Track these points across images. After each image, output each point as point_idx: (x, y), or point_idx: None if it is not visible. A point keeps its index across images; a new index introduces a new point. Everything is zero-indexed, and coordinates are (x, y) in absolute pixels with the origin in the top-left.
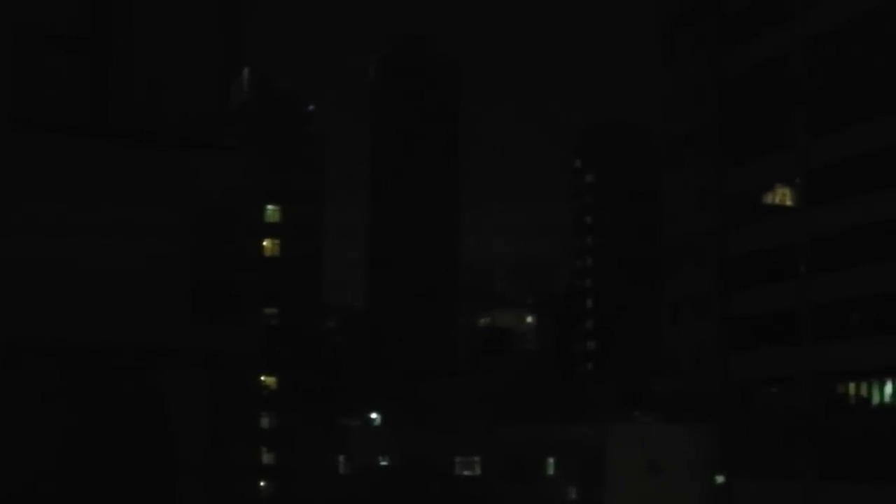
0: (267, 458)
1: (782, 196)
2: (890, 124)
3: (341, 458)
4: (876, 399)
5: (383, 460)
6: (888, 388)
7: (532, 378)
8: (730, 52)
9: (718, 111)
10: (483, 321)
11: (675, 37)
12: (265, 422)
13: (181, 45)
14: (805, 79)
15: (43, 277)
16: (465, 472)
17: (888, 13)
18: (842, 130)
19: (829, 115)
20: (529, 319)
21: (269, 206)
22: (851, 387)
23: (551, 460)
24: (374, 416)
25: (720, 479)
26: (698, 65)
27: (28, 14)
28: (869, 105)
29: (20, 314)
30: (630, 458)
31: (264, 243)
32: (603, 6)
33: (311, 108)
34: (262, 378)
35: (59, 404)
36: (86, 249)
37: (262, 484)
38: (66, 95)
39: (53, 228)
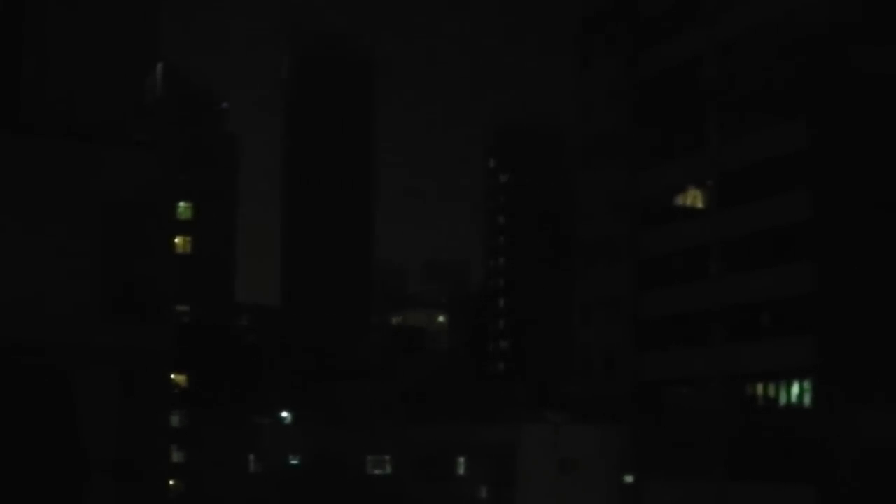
0: (177, 456)
1: (694, 198)
2: (797, 129)
3: (252, 456)
4: (784, 399)
5: (294, 459)
6: (795, 389)
7: (445, 378)
8: (643, 55)
9: (632, 113)
10: (396, 320)
11: (589, 39)
12: (175, 420)
13: (93, 40)
14: (717, 82)
15: None
16: (377, 472)
17: (796, 19)
18: (753, 134)
19: (740, 119)
20: (442, 319)
21: (182, 203)
22: (760, 387)
23: (462, 460)
24: (285, 414)
25: (630, 478)
26: (612, 67)
27: None
28: (778, 109)
29: None
30: (541, 457)
31: (176, 241)
32: (519, 6)
33: (224, 105)
34: (173, 376)
35: None
36: None
37: (171, 483)
38: None
39: None
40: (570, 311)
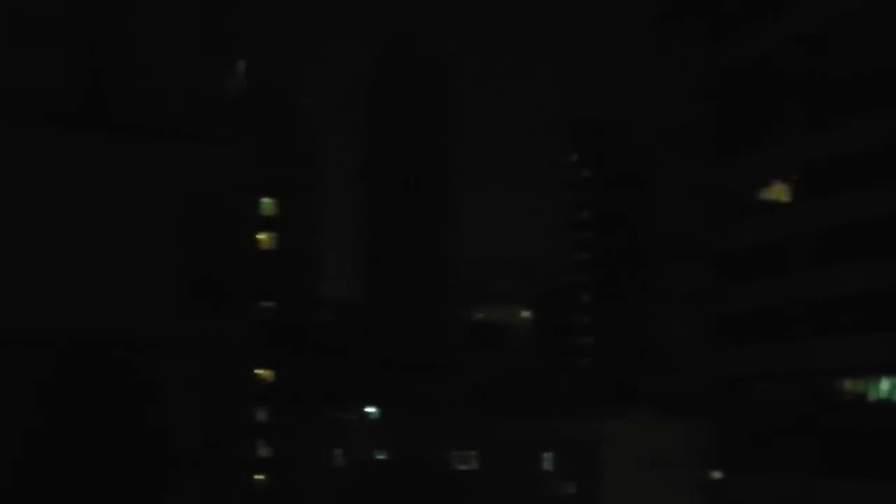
0: (263, 451)
1: (777, 191)
2: (887, 120)
3: (337, 451)
4: (872, 396)
5: (379, 454)
6: (884, 385)
7: (528, 373)
8: (723, 46)
9: (712, 105)
10: (478, 316)
11: (668, 30)
12: (261, 415)
13: (175, 39)
14: (800, 72)
15: (35, 270)
16: (461, 467)
17: (885, 6)
18: (838, 125)
19: (824, 110)
20: (525, 314)
21: (265, 199)
22: (846, 383)
23: (548, 455)
24: (370, 410)
25: (715, 474)
26: (692, 58)
27: (22, 8)
28: (865, 99)
29: (12, 306)
30: (626, 453)
31: (260, 237)
32: None
33: (305, 101)
34: (258, 372)
35: (52, 396)
36: (78, 241)
37: (257, 478)
38: (60, 88)
39: (47, 221)
40: (653, 306)
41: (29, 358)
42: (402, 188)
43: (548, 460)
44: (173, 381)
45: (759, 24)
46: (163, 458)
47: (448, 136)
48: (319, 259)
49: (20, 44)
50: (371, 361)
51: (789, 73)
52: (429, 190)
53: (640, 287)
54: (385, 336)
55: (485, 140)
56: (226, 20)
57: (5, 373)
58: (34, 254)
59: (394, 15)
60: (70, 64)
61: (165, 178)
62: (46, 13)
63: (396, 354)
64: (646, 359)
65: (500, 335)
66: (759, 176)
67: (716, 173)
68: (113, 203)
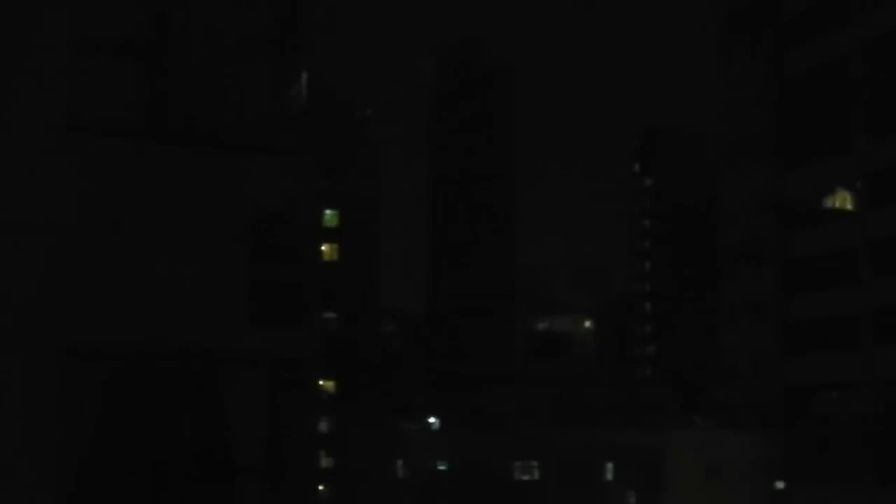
0: (325, 462)
1: (842, 200)
2: None
3: (399, 462)
4: None
5: (441, 465)
6: None
7: (591, 383)
8: (788, 55)
9: (776, 114)
10: (541, 326)
11: (732, 41)
12: (323, 426)
13: (239, 50)
14: (866, 81)
15: (102, 282)
16: (524, 477)
17: None
18: None
19: (890, 118)
20: (588, 324)
21: (328, 211)
22: None
23: (610, 465)
24: (432, 420)
25: (780, 485)
26: (756, 68)
27: (86, 20)
28: None
29: (82, 318)
30: (689, 463)
31: (323, 248)
32: (660, 9)
33: (368, 112)
34: (321, 383)
35: (119, 406)
36: (144, 254)
37: (320, 488)
38: (124, 100)
39: (113, 233)
40: (717, 315)
41: (94, 370)
42: (466, 198)
43: (610, 470)
44: (239, 393)
45: (824, 33)
46: (227, 469)
47: (512, 145)
48: (381, 270)
49: (83, 56)
50: (433, 372)
51: (854, 81)
52: (492, 200)
53: (704, 296)
54: (447, 346)
55: (548, 149)
56: (292, 31)
57: (71, 385)
58: (98, 267)
59: (457, 23)
60: (133, 76)
61: (230, 190)
62: (108, 25)
63: (458, 365)
64: (710, 368)
65: (563, 345)
66: (825, 185)
67: (781, 182)
68: (178, 215)
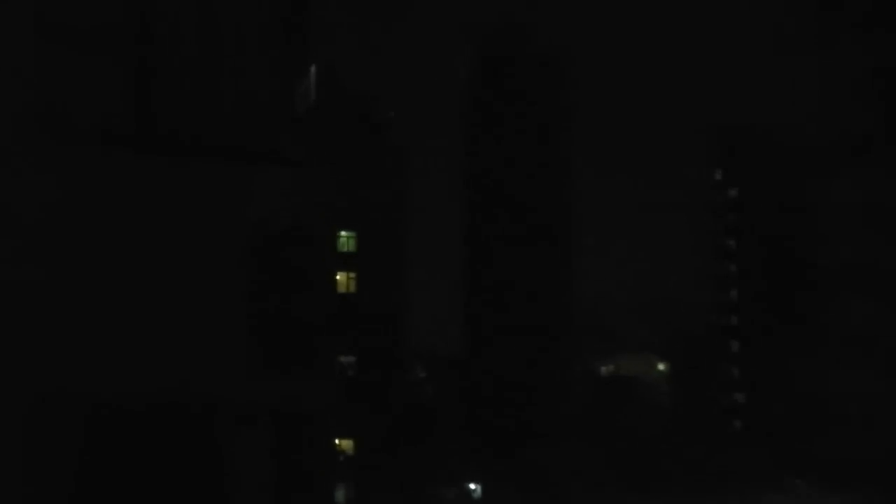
0: None
1: None
2: None
3: None
4: None
5: None
6: None
7: (667, 438)
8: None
9: (885, 107)
10: (604, 369)
11: (827, 20)
12: (341, 495)
13: (238, 41)
14: None
15: (75, 317)
16: None
17: None
18: None
19: None
20: (661, 367)
21: (343, 233)
22: None
23: None
24: (472, 486)
25: None
26: (858, 52)
27: (67, 19)
28: None
29: (53, 359)
30: None
31: (338, 277)
32: None
33: (391, 114)
34: (337, 442)
35: (107, 459)
36: (125, 283)
37: None
38: (104, 101)
39: (88, 257)
40: (820, 354)
41: (66, 422)
42: (509, 216)
43: None
44: (240, 453)
45: None
46: None
47: (564, 151)
48: (408, 304)
49: (68, 56)
50: (473, 426)
51: None
52: (542, 216)
53: (802, 331)
54: (490, 396)
55: (608, 154)
56: (298, 21)
57: (52, 437)
58: (73, 296)
59: (495, 11)
60: (119, 78)
61: (227, 206)
62: (82, 11)
63: (503, 418)
64: (811, 419)
65: (631, 392)
66: None
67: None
68: (167, 236)
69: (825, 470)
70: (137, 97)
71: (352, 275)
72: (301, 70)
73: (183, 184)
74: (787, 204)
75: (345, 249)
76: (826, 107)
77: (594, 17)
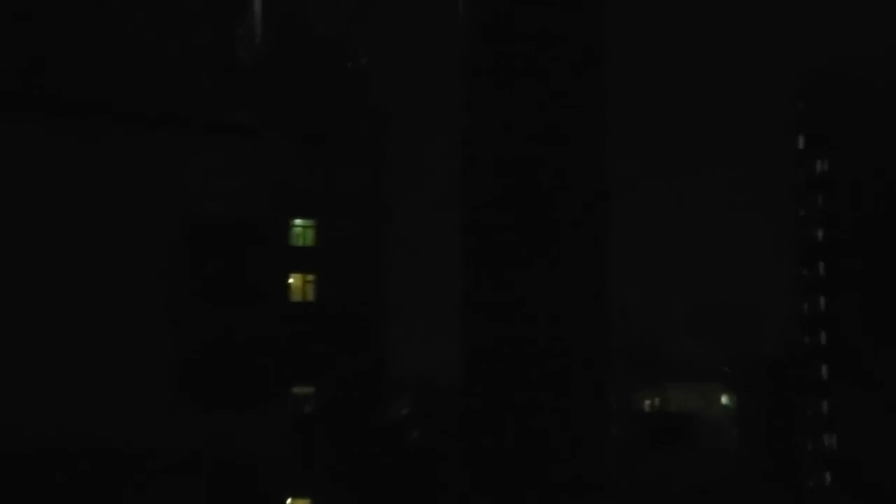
0: None
1: None
2: None
3: None
4: None
5: None
6: None
7: (731, 492)
8: None
9: None
10: (648, 403)
11: None
12: None
13: None
14: None
15: None
16: None
17: None
18: None
19: None
20: (724, 400)
21: (298, 222)
22: None
23: None
24: None
25: None
26: None
27: None
28: None
29: None
30: None
31: (291, 281)
32: None
33: (364, 61)
34: (290, 502)
35: None
36: (13, 287)
37: None
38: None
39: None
40: None
41: None
42: (521, 201)
43: None
44: None
45: None
46: None
47: (597, 115)
48: (387, 317)
49: None
50: (475, 479)
51: None
52: (565, 203)
53: None
54: (496, 438)
55: (650, 121)
56: None
57: None
58: None
59: None
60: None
61: (149, 190)
62: None
63: (521, 466)
64: None
65: (684, 433)
66: None
67: None
68: (65, 223)
69: None
70: (19, 48)
71: (310, 278)
72: (241, 13)
73: (88, 159)
74: (890, 181)
75: (300, 243)
76: None
77: None
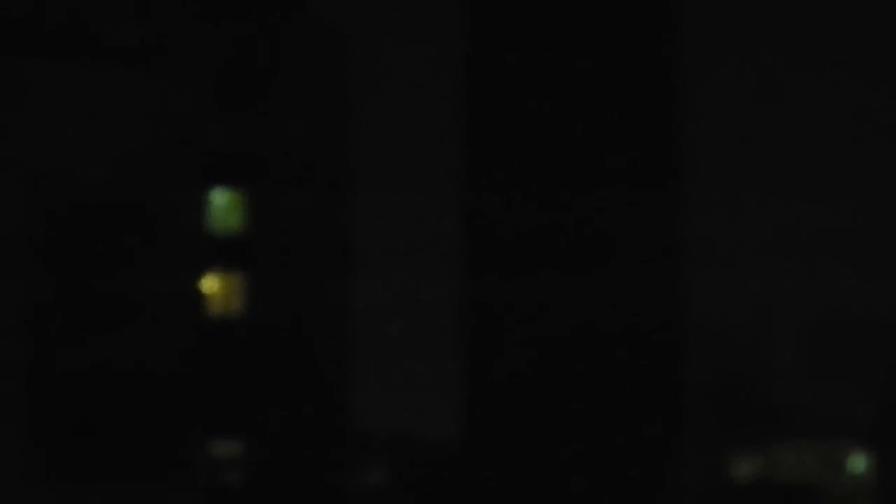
0: None
1: None
2: None
3: None
4: None
5: None
6: None
7: None
8: None
9: None
10: (746, 468)
11: None
12: None
13: None
14: None
15: None
16: None
17: None
18: None
19: None
20: (859, 464)
21: (216, 195)
22: None
23: None
24: None
25: None
26: None
27: None
28: None
29: None
30: None
31: (204, 286)
32: None
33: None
34: None
35: None
36: None
37: None
38: None
39: None
40: None
41: None
42: (533, 192)
43: None
44: None
45: None
46: None
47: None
48: (354, 340)
49: None
50: None
51: None
52: (591, 194)
53: None
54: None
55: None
56: None
57: None
58: None
59: None
60: None
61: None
62: None
63: None
64: None
65: None
66: None
67: None
68: None
69: None
70: None
71: (235, 281)
72: None
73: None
74: None
75: (219, 228)
76: None
77: None
